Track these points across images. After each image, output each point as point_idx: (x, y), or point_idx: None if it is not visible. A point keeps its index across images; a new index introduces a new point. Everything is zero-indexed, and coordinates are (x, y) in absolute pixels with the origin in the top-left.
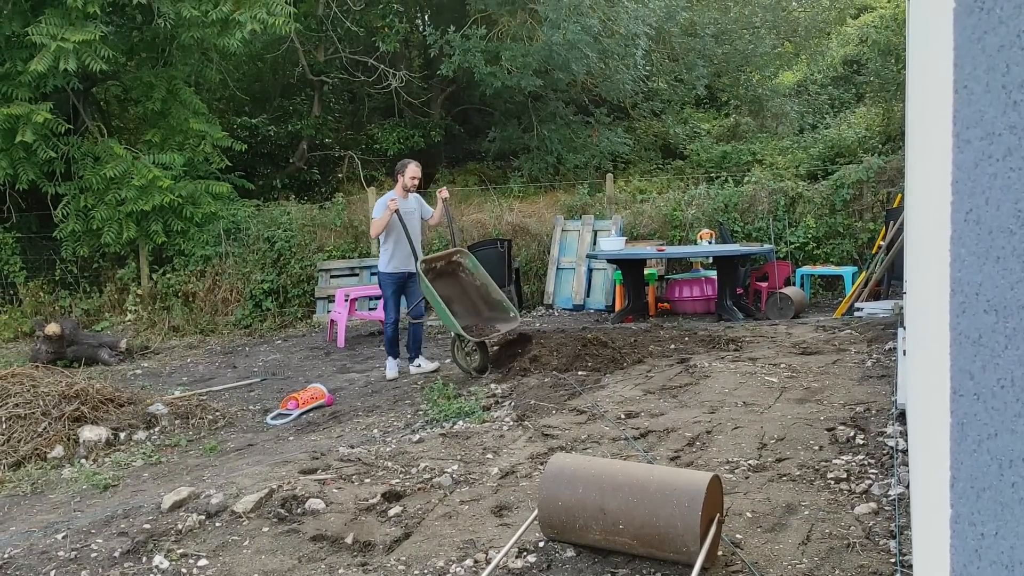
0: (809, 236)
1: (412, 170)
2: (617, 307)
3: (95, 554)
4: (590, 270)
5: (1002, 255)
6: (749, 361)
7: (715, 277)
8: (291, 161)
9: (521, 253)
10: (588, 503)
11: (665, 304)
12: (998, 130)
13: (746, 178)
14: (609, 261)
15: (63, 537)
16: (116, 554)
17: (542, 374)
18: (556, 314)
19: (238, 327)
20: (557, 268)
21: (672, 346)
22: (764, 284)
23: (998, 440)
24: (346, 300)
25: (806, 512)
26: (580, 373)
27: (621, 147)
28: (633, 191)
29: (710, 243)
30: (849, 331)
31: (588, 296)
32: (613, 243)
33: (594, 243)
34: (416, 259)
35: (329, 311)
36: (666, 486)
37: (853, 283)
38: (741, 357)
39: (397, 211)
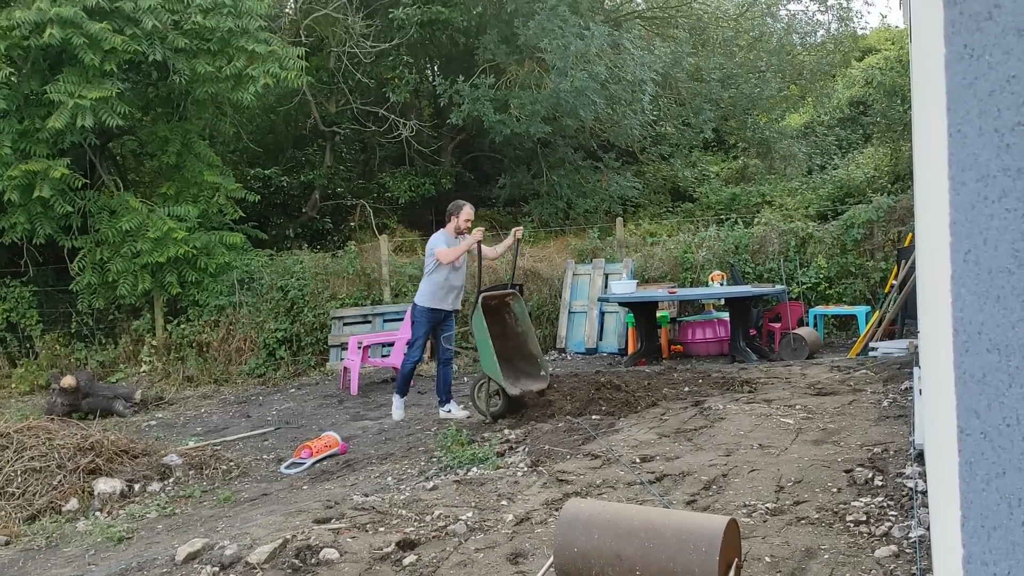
0: (821, 276)
1: (467, 212)
2: (630, 350)
3: None
4: (602, 313)
5: (1002, 295)
6: (764, 403)
7: (727, 319)
8: (304, 211)
9: (533, 298)
10: (604, 549)
11: (678, 346)
12: (992, 172)
13: (756, 219)
14: (621, 304)
15: None
16: None
17: (556, 419)
18: (569, 358)
19: (252, 376)
20: (569, 312)
21: (686, 388)
22: (777, 325)
23: (1006, 479)
24: (359, 347)
25: (826, 556)
26: (594, 417)
27: (630, 191)
28: (643, 234)
29: (722, 285)
30: (864, 371)
31: (601, 339)
32: (624, 286)
33: (605, 286)
34: (477, 291)
35: (342, 359)
36: (683, 531)
37: (867, 322)
38: (756, 399)
39: (479, 243)
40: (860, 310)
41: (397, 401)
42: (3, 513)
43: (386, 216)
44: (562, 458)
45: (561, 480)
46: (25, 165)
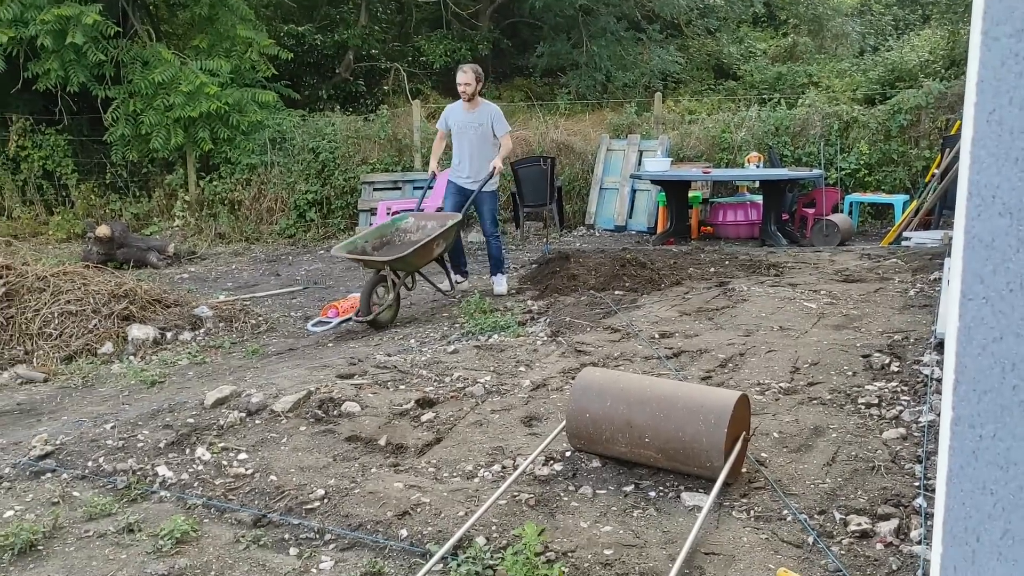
0: (861, 163)
1: (458, 77)
2: (659, 229)
3: (141, 444)
4: (633, 191)
5: (1021, 157)
6: (789, 287)
7: (760, 202)
8: (337, 72)
9: (564, 171)
10: (615, 416)
11: (708, 228)
12: None
13: (800, 101)
14: (653, 182)
15: (111, 427)
16: (161, 445)
17: (579, 292)
18: (597, 234)
19: (282, 236)
20: (600, 188)
21: (712, 269)
22: (811, 210)
23: (1003, 343)
24: (388, 213)
25: (833, 435)
26: (617, 293)
27: (672, 66)
28: (682, 112)
29: (758, 167)
30: (895, 260)
31: (630, 217)
32: (658, 164)
33: (639, 163)
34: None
35: (371, 224)
36: (693, 403)
37: (903, 212)
38: (781, 282)
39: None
40: (898, 199)
41: (499, 278)
42: (41, 352)
43: (420, 81)
44: (582, 330)
45: (579, 351)
46: (57, 10)
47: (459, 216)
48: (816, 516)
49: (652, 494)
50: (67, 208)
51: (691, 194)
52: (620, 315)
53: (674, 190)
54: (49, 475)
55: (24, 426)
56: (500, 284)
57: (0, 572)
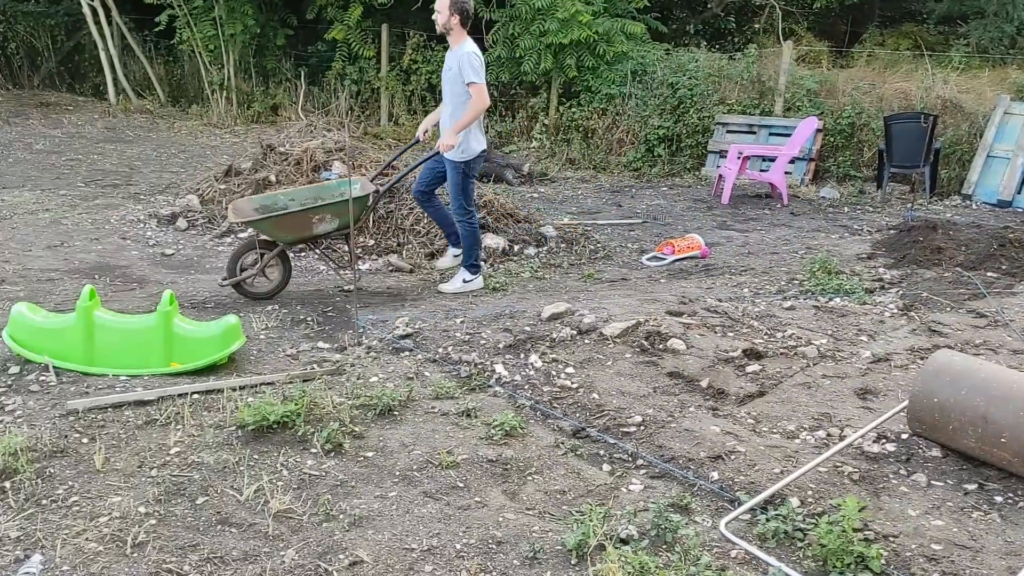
0: None
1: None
2: None
3: (484, 342)
4: None
5: None
6: None
7: None
8: (708, 6)
9: (946, 133)
10: (969, 407)
11: None
12: None
13: None
14: None
15: (460, 322)
16: (500, 346)
17: (943, 267)
18: (974, 207)
19: (628, 168)
20: (987, 155)
21: None
22: None
23: None
24: (739, 157)
25: None
26: (989, 274)
27: None
28: None
29: None
30: None
31: (1019, 193)
32: None
33: None
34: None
35: (719, 166)
36: None
37: None
38: None
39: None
40: None
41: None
42: (410, 246)
43: (795, 21)
44: (940, 308)
45: (933, 331)
46: None
47: (372, 188)
48: None
49: (998, 499)
50: None
51: None
52: (989, 300)
53: None
54: (407, 353)
55: (391, 308)
56: (454, 282)
57: (363, 426)
